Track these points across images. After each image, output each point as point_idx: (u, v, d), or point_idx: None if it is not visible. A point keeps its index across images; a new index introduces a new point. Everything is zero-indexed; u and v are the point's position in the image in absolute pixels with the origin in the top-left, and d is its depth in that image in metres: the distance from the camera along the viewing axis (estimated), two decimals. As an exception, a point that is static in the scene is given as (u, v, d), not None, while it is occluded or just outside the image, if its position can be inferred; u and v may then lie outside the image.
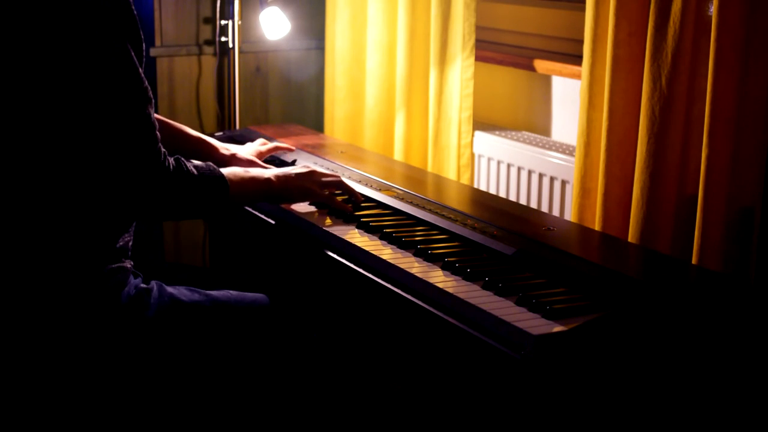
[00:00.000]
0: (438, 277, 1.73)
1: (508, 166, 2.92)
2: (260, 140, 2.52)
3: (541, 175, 2.80)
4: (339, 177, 2.16)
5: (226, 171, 1.96)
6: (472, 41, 2.93)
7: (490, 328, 1.56)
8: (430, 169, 3.10)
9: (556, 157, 2.76)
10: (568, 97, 2.92)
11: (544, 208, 2.79)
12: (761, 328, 1.61)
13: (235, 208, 2.21)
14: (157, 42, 3.35)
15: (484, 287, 1.68)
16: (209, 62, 3.45)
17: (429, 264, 1.80)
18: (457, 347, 1.61)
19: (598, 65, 2.45)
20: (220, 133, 2.85)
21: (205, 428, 2.00)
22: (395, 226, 2.01)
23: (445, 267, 1.78)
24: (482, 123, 3.15)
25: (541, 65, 2.88)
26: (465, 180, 2.99)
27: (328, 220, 2.05)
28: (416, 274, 1.74)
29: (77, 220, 1.83)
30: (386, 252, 1.86)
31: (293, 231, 2.07)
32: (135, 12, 1.81)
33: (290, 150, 2.50)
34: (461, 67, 2.95)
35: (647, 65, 2.29)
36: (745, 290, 1.80)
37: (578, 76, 2.67)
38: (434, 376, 2.02)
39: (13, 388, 1.84)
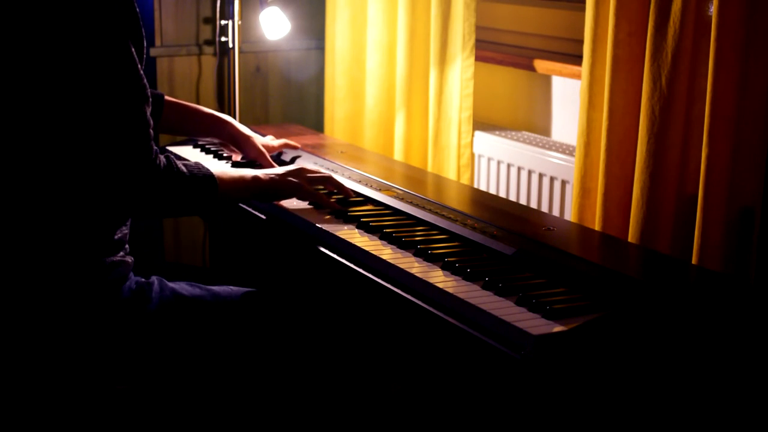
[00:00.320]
0: (438, 277, 1.73)
1: (508, 166, 2.92)
2: (270, 136, 2.54)
3: (541, 175, 2.80)
4: (328, 174, 2.16)
5: (215, 170, 1.97)
6: (472, 41, 2.93)
7: (490, 328, 1.56)
8: (430, 169, 3.10)
9: (556, 157, 2.76)
10: (568, 97, 2.92)
11: (544, 208, 2.79)
12: (761, 328, 1.61)
13: (233, 209, 2.22)
14: (157, 42, 3.35)
15: (484, 287, 1.68)
16: (209, 62, 3.45)
17: (429, 264, 1.80)
18: (457, 347, 1.61)
19: (598, 65, 2.45)
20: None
21: (204, 422, 2.00)
22: (395, 226, 2.01)
23: (445, 267, 1.78)
24: (482, 123, 3.15)
25: (541, 65, 2.88)
26: (465, 180, 2.99)
27: (330, 221, 2.05)
28: (416, 274, 1.74)
29: (73, 212, 1.84)
30: (386, 252, 1.86)
31: (293, 231, 2.07)
32: (137, 10, 1.81)
33: (296, 147, 2.52)
34: (461, 67, 2.95)
35: (647, 65, 2.29)
36: (745, 290, 1.80)
37: (578, 76, 2.67)
38: (434, 376, 2.02)
39: (16, 380, 1.84)
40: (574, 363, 1.50)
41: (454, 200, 2.29)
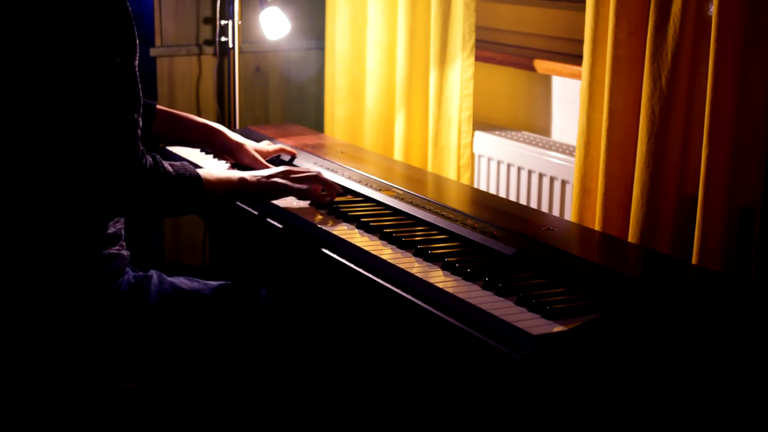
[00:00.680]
0: (438, 277, 1.73)
1: (508, 166, 2.92)
2: (266, 141, 2.53)
3: (541, 175, 2.80)
4: (315, 172, 2.16)
5: (203, 172, 1.98)
6: (472, 41, 2.93)
7: (490, 328, 1.56)
8: (430, 169, 3.10)
9: (556, 157, 2.76)
10: (568, 97, 2.92)
11: (544, 208, 2.79)
12: (761, 328, 1.61)
13: (233, 209, 2.22)
14: (157, 42, 3.35)
15: (484, 287, 1.68)
16: (209, 62, 3.45)
17: (429, 264, 1.80)
18: (457, 347, 1.61)
19: (598, 65, 2.45)
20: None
21: (202, 416, 2.01)
22: (395, 226, 2.01)
23: (445, 267, 1.78)
24: (482, 123, 3.15)
25: (541, 65, 2.88)
26: (465, 180, 2.99)
27: (329, 221, 2.05)
28: (416, 274, 1.74)
29: (65, 206, 1.84)
30: (386, 252, 1.86)
31: (294, 231, 2.07)
32: (130, 10, 1.81)
33: (293, 154, 2.51)
34: (461, 67, 2.95)
35: (647, 65, 2.29)
36: (745, 290, 1.80)
37: (578, 76, 2.67)
38: (434, 376, 2.02)
39: (11, 372, 1.84)
40: (574, 363, 1.50)
41: (454, 200, 2.29)
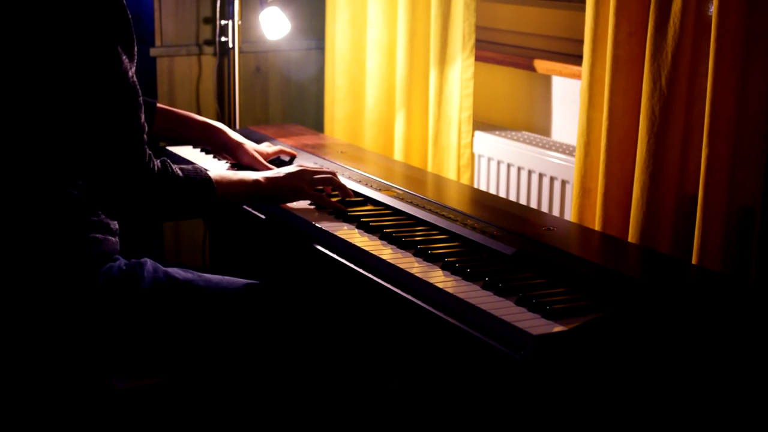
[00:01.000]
0: (438, 277, 1.73)
1: (508, 166, 2.92)
2: (266, 143, 2.53)
3: (541, 175, 2.80)
4: (331, 173, 2.16)
5: (214, 174, 1.97)
6: (472, 41, 2.93)
7: (490, 328, 1.56)
8: (430, 169, 3.10)
9: (556, 157, 2.76)
10: (568, 97, 2.92)
11: (544, 208, 2.79)
12: (761, 328, 1.61)
13: (234, 211, 2.22)
14: (157, 42, 3.35)
15: (484, 287, 1.68)
16: (209, 62, 3.45)
17: (429, 264, 1.80)
18: (457, 347, 1.61)
19: (598, 65, 2.45)
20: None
21: (194, 412, 2.01)
22: (395, 226, 2.01)
23: (445, 267, 1.78)
24: (482, 123, 3.15)
25: (541, 65, 2.88)
26: (465, 180, 2.99)
27: (329, 221, 2.05)
28: (416, 274, 1.74)
29: (50, 191, 1.85)
30: (386, 252, 1.86)
31: (293, 231, 2.07)
32: (128, 12, 1.82)
33: (293, 155, 2.51)
34: (461, 67, 2.95)
35: (647, 65, 2.29)
36: (745, 290, 1.80)
37: (578, 76, 2.67)
38: (434, 376, 2.02)
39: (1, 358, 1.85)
40: (574, 363, 1.50)
41: (454, 200, 2.29)
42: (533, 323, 1.52)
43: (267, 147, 2.48)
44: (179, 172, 1.90)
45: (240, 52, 3.40)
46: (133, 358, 1.92)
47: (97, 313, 1.87)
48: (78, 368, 1.89)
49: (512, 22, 3.17)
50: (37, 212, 1.84)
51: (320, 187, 2.17)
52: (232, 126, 3.40)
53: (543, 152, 2.80)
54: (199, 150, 2.58)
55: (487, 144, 3.00)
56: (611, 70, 2.38)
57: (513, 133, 3.02)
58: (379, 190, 2.23)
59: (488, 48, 3.13)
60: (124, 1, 1.81)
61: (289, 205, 2.13)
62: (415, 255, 1.84)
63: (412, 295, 1.71)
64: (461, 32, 2.93)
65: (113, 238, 1.96)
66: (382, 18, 3.27)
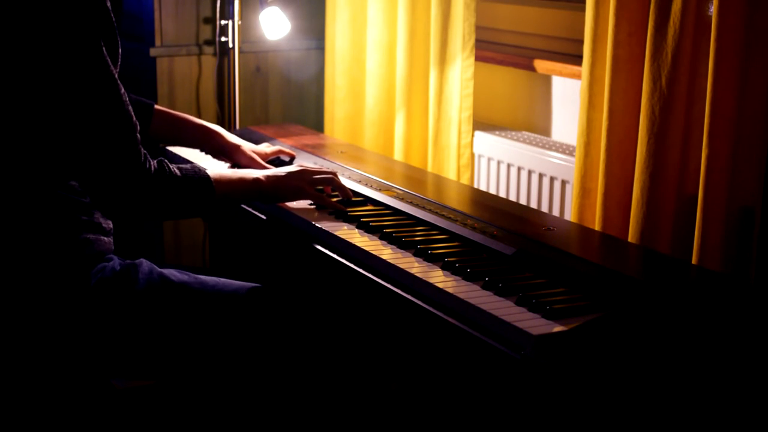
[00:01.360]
0: (438, 277, 1.73)
1: (508, 166, 2.92)
2: (265, 144, 2.53)
3: (541, 175, 2.80)
4: (332, 173, 2.16)
5: (213, 173, 1.97)
6: (472, 41, 2.93)
7: (490, 328, 1.56)
8: (430, 169, 3.10)
9: (556, 157, 2.76)
10: (568, 97, 2.92)
11: (544, 208, 2.79)
12: (761, 328, 1.60)
13: (234, 211, 2.21)
14: (157, 42, 3.35)
15: (484, 287, 1.68)
16: (209, 62, 3.45)
17: (429, 264, 1.80)
18: (457, 347, 1.61)
19: (598, 65, 2.45)
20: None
21: (189, 414, 2.01)
22: (395, 226, 2.01)
23: (445, 267, 1.78)
24: (482, 123, 3.15)
25: (541, 65, 2.88)
26: (465, 180, 2.99)
27: (329, 221, 2.05)
28: (416, 274, 1.74)
29: (39, 191, 1.84)
30: (386, 252, 1.86)
31: (293, 231, 2.07)
32: (112, 18, 1.82)
33: (291, 155, 2.51)
34: (461, 67, 2.95)
35: (647, 65, 2.29)
36: (745, 290, 1.80)
37: (578, 76, 2.67)
38: (434, 376, 2.02)
39: None
40: (574, 363, 1.50)
41: (454, 200, 2.29)
42: (533, 323, 1.52)
43: (266, 147, 2.48)
44: (177, 171, 1.90)
45: (240, 52, 3.40)
46: (125, 359, 1.92)
47: (89, 314, 1.87)
48: (71, 369, 1.89)
49: (512, 22, 3.17)
50: (24, 214, 1.84)
51: (320, 188, 2.17)
52: (232, 126, 3.40)
53: (543, 152, 2.80)
54: (198, 151, 2.58)
55: (487, 144, 3.00)
56: (611, 70, 2.38)
57: (513, 133, 3.02)
58: (379, 190, 2.23)
59: (488, 48, 3.13)
60: (110, 7, 1.82)
61: (289, 205, 2.13)
62: (415, 255, 1.84)
63: (412, 295, 1.71)
64: (461, 32, 2.93)
65: (106, 238, 1.95)
66: (382, 18, 3.27)
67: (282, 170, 2.12)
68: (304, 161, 2.45)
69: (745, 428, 1.60)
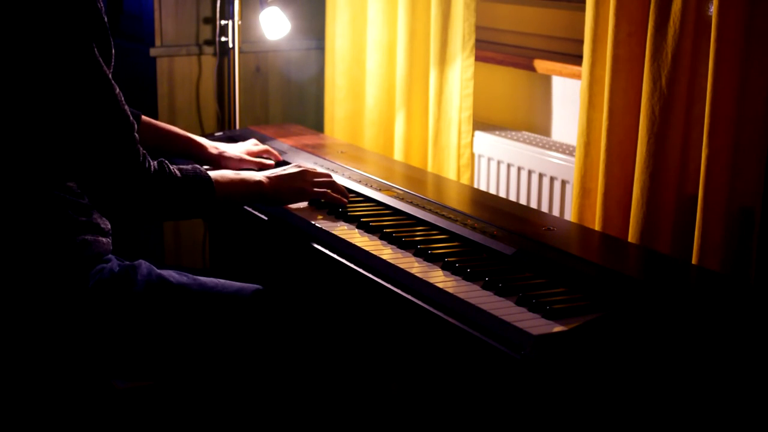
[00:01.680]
0: (438, 277, 1.73)
1: (508, 166, 2.92)
2: (252, 140, 2.52)
3: (541, 175, 2.80)
4: (330, 177, 2.16)
5: (215, 173, 1.97)
6: (472, 41, 2.93)
7: (490, 328, 1.56)
8: (430, 169, 3.10)
9: (556, 157, 2.76)
10: (568, 97, 2.92)
11: (544, 208, 2.79)
12: (761, 328, 1.61)
13: (234, 211, 2.21)
14: (157, 42, 3.35)
15: (484, 287, 1.68)
16: (209, 62, 3.45)
17: (429, 264, 1.80)
18: (457, 347, 1.61)
19: (598, 65, 2.45)
20: (220, 133, 2.85)
21: (188, 415, 2.01)
22: (395, 226, 2.01)
23: (445, 267, 1.78)
24: (482, 123, 3.15)
25: (541, 65, 2.88)
26: (465, 180, 2.99)
27: (329, 221, 2.05)
28: (416, 274, 1.74)
29: (35, 193, 1.84)
30: (386, 252, 1.86)
31: (293, 231, 2.07)
32: (105, 20, 1.82)
33: (277, 158, 2.50)
34: (461, 67, 2.95)
35: (647, 65, 2.29)
36: (745, 290, 1.80)
37: (578, 76, 2.67)
38: (434, 376, 2.02)
39: None
40: (574, 363, 1.50)
41: (454, 200, 2.29)
42: (533, 323, 1.52)
43: (254, 146, 2.47)
44: (177, 171, 1.90)
45: (240, 52, 3.40)
46: (123, 361, 1.92)
47: (87, 316, 1.87)
48: (69, 370, 1.89)
49: (512, 22, 3.17)
50: (22, 216, 1.84)
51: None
52: (231, 126, 3.40)
53: (543, 152, 2.80)
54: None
55: (487, 144, 3.00)
56: (611, 70, 2.38)
57: (513, 133, 3.02)
58: (379, 190, 2.23)
59: (488, 48, 3.13)
60: (102, 8, 1.82)
61: (289, 205, 2.13)
62: (415, 255, 1.84)
63: (412, 295, 1.71)
64: (461, 32, 2.93)
65: (105, 239, 1.95)
66: (382, 18, 3.27)
67: (283, 172, 2.12)
68: (304, 161, 2.45)
69: (745, 428, 1.60)
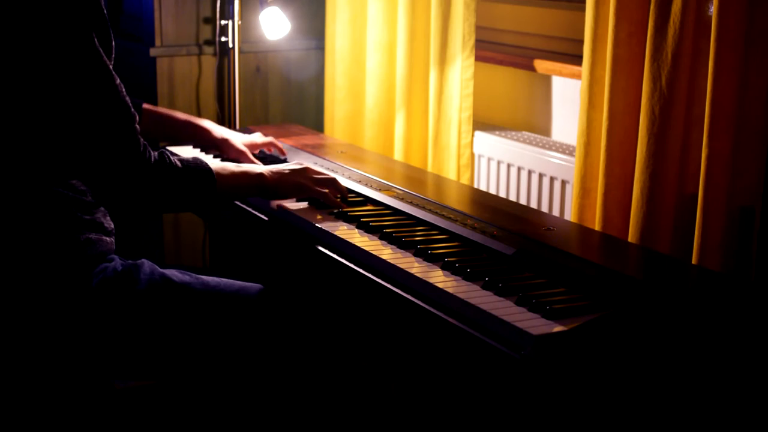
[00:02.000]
0: (438, 277, 1.73)
1: (508, 166, 2.92)
2: (258, 133, 2.53)
3: (541, 175, 2.80)
4: (332, 177, 2.16)
5: (216, 165, 1.97)
6: (472, 41, 2.93)
7: (490, 328, 1.56)
8: (430, 169, 3.10)
9: (556, 157, 2.76)
10: (568, 97, 2.92)
11: (544, 208, 2.79)
12: (761, 328, 1.61)
13: (232, 209, 2.21)
14: (157, 42, 3.35)
15: (484, 287, 1.68)
16: (209, 62, 3.45)
17: (429, 264, 1.80)
18: (457, 347, 1.61)
19: (598, 65, 2.45)
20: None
21: (190, 414, 2.01)
22: (395, 226, 2.01)
23: (445, 267, 1.78)
24: (482, 123, 3.15)
25: (541, 65, 2.88)
26: (465, 180, 2.99)
27: (329, 221, 2.05)
28: (416, 274, 1.74)
29: (39, 191, 1.84)
30: (386, 252, 1.86)
31: (294, 231, 2.07)
32: (106, 15, 1.82)
33: (282, 153, 2.51)
34: (461, 67, 2.95)
35: (647, 65, 2.29)
36: (745, 290, 1.80)
37: (578, 76, 2.67)
38: (434, 375, 2.02)
39: None
40: (574, 363, 1.50)
41: (454, 200, 2.29)
42: (533, 323, 1.52)
43: (259, 137, 2.49)
44: (178, 162, 1.90)
45: (240, 52, 3.40)
46: (126, 359, 1.92)
47: (90, 315, 1.87)
48: (72, 369, 1.89)
49: (512, 22, 3.17)
50: (26, 214, 1.84)
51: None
52: (232, 126, 3.40)
53: (543, 152, 2.80)
54: (199, 150, 2.58)
55: (487, 144, 3.00)
56: (611, 70, 2.38)
57: (513, 133, 3.02)
58: (379, 190, 2.23)
59: (488, 48, 3.13)
60: (103, 4, 1.82)
61: (290, 205, 2.13)
62: (415, 255, 1.84)
63: (412, 295, 1.71)
64: (461, 32, 2.93)
65: (108, 238, 1.95)
66: (382, 18, 3.27)
67: (285, 167, 2.12)
68: (303, 161, 2.45)
69: (745, 428, 1.60)
